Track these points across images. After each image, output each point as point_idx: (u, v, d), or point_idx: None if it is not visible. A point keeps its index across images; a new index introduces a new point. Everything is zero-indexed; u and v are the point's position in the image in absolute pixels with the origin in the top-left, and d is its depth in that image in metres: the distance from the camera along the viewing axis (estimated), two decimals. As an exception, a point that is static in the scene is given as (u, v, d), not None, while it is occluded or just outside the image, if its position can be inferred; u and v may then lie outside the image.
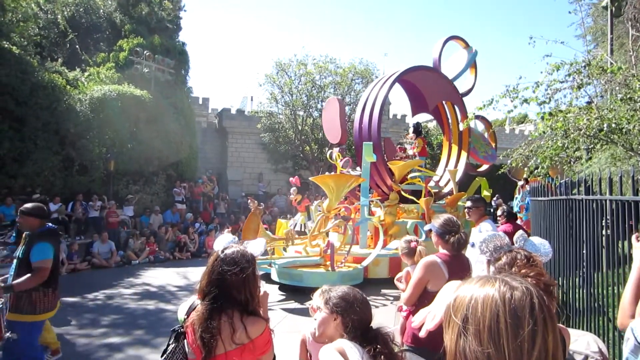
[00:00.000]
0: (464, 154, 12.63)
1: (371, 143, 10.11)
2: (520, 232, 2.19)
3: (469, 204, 5.21)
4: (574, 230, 4.45)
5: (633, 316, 2.06)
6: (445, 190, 11.96)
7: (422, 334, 1.39)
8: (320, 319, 2.12)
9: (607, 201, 3.79)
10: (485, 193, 12.50)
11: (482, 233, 4.68)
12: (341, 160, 11.34)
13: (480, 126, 13.42)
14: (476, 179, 12.27)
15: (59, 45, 18.79)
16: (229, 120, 25.87)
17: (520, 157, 7.76)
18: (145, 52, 17.60)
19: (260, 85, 23.68)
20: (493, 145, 13.47)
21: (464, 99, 12.76)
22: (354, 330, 1.99)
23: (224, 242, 2.64)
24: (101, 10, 20.36)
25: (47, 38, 18.45)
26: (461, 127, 12.31)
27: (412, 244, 4.14)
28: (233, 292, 2.07)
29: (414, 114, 13.33)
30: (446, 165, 12.79)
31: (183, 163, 18.33)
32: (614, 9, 10.70)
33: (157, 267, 12.31)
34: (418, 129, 12.16)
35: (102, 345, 5.75)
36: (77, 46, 18.89)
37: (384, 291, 8.34)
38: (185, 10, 23.64)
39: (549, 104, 6.06)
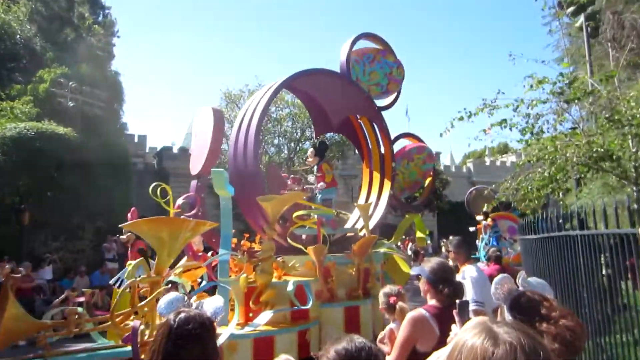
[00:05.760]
0: (387, 184, 10.34)
1: (222, 170, 7.41)
2: (521, 272, 2.30)
3: (450, 248, 5.25)
4: (571, 270, 4.49)
5: None
6: (363, 233, 9.46)
7: None
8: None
9: (604, 235, 3.85)
10: (419, 235, 11.21)
11: (467, 279, 4.70)
12: (182, 197, 8.95)
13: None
14: (407, 215, 10.81)
15: (-36, 77, 18.24)
16: (170, 160, 25.56)
17: (509, 191, 7.91)
18: (70, 83, 17.33)
19: (207, 119, 23.68)
20: (426, 181, 11.74)
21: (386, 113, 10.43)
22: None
23: (169, 302, 2.46)
24: (18, 36, 20.06)
25: (-50, 69, 17.91)
26: (382, 149, 10.34)
27: (392, 300, 4.04)
28: None
29: (317, 134, 11.78)
30: (366, 199, 10.55)
31: (115, 212, 17.68)
32: (590, 29, 11.53)
33: (84, 341, 11.53)
34: (321, 149, 9.71)
35: None
36: (-13, 78, 18.40)
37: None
38: (119, 37, 23.84)
39: (533, 129, 6.29)
